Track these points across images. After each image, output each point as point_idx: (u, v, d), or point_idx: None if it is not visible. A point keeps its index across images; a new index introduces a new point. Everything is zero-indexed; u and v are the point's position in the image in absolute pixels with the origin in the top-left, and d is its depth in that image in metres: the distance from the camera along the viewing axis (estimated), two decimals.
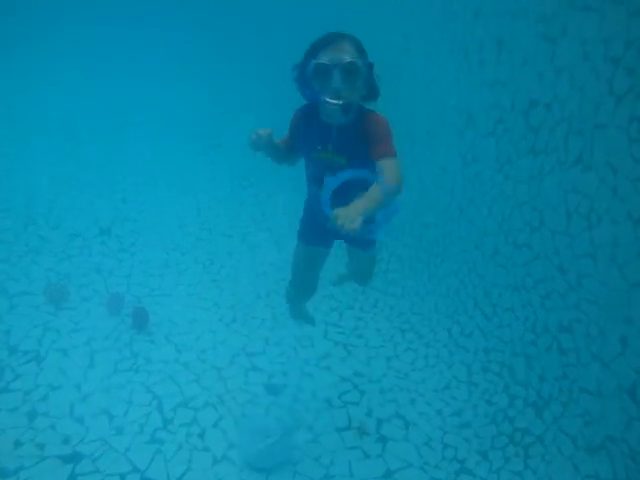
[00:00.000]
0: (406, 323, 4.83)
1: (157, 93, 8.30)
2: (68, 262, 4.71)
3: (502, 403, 3.89)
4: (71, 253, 4.84)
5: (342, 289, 4.91)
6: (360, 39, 2.44)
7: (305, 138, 2.57)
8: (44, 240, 4.94)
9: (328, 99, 2.28)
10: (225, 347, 4.10)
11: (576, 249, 3.56)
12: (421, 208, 5.47)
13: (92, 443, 3.06)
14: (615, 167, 3.20)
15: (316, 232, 2.92)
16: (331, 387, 3.86)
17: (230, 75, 8.83)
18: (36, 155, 6.32)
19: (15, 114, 7.13)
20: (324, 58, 2.28)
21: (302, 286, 3.24)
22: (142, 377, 3.64)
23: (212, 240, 5.51)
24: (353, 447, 3.37)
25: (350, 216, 1.86)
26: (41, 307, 4.10)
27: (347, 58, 2.26)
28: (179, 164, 6.90)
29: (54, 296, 4.10)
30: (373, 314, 4.85)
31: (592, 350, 3.48)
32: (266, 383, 3.78)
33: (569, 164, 3.60)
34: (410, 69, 5.42)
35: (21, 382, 3.40)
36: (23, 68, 8.37)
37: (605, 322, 3.31)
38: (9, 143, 6.44)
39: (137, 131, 7.34)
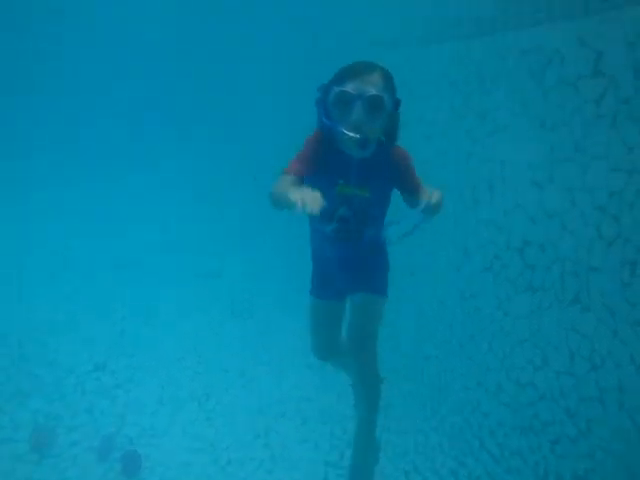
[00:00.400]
0: (410, 464, 4.57)
1: (157, 233, 8.58)
2: (59, 402, 4.55)
3: None
4: (63, 392, 4.70)
5: (342, 426, 4.71)
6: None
7: (323, 171, 2.31)
8: (36, 378, 4.82)
9: (345, 131, 2.17)
10: None
11: (582, 391, 3.48)
12: (421, 339, 5.42)
13: None
14: (613, 310, 3.23)
15: (327, 283, 2.70)
16: None
17: (231, 204, 9.19)
18: (34, 288, 6.39)
19: (15, 244, 7.33)
20: (349, 86, 2.12)
21: (326, 344, 2.85)
22: None
23: (209, 374, 5.38)
24: None
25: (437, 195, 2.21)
26: (24, 456, 3.89)
27: (373, 91, 2.12)
28: (179, 294, 6.94)
29: (40, 442, 3.91)
30: None
31: None
32: None
33: (567, 302, 3.64)
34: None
35: None
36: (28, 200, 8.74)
37: (623, 476, 3.15)
38: (7, 278, 6.55)
39: (138, 268, 7.48)
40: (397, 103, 2.27)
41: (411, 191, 2.41)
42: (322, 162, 2.31)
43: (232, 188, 9.36)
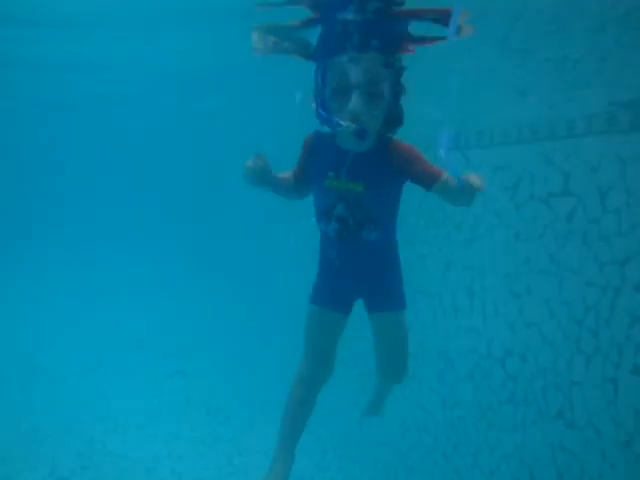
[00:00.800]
0: None
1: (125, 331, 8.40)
2: None
3: None
4: None
5: None
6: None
7: (318, 164, 2.25)
8: None
9: (342, 122, 2.01)
10: None
11: None
12: (404, 449, 5.21)
13: None
14: (599, 429, 3.16)
15: (332, 287, 2.42)
16: None
17: (202, 298, 9.05)
18: None
19: None
20: (345, 74, 2.01)
21: (318, 359, 2.43)
22: None
23: None
24: None
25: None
26: None
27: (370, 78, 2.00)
28: (148, 396, 6.66)
29: None
30: None
31: None
32: None
33: (551, 417, 3.56)
34: None
35: None
36: None
37: None
38: None
39: (107, 368, 7.25)
40: (398, 93, 2.11)
41: (429, 179, 2.18)
42: (316, 157, 2.26)
43: (202, 278, 9.29)
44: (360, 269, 2.38)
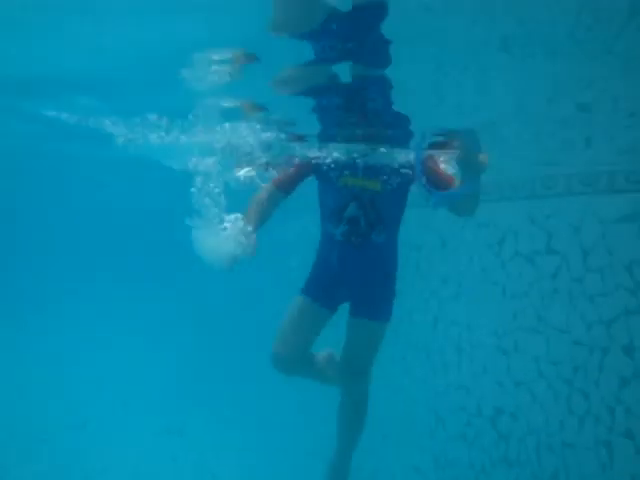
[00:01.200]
0: None
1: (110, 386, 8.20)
2: None
3: None
4: None
5: None
6: None
7: (328, 166, 2.21)
8: None
9: None
10: None
11: None
12: None
13: None
14: None
15: (326, 285, 2.40)
16: None
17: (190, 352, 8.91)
18: None
19: None
20: None
21: (293, 352, 2.38)
22: None
23: None
24: None
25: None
26: None
27: None
28: (137, 455, 6.43)
29: None
30: None
31: None
32: None
33: (546, 479, 3.47)
34: None
35: None
36: None
37: None
38: None
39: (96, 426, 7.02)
40: None
41: (443, 182, 2.14)
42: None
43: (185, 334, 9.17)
44: (358, 275, 2.38)
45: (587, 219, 3.13)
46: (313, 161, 2.30)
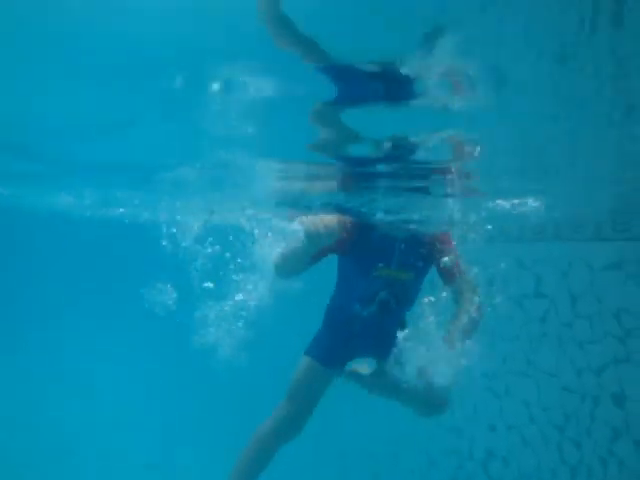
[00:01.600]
0: None
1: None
2: None
3: None
4: None
5: None
6: None
7: (362, 254, 2.18)
8: None
9: None
10: None
11: None
12: None
13: None
14: None
15: (337, 347, 2.35)
16: None
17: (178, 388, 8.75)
18: None
19: None
20: None
21: (302, 413, 2.32)
22: None
23: None
24: None
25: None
26: None
27: None
28: None
29: None
30: None
31: None
32: None
33: None
34: None
35: None
36: None
37: None
38: None
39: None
40: None
41: (449, 279, 2.20)
42: (359, 247, 2.20)
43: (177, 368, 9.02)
44: (380, 334, 2.34)
45: (575, 264, 3.11)
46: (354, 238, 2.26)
